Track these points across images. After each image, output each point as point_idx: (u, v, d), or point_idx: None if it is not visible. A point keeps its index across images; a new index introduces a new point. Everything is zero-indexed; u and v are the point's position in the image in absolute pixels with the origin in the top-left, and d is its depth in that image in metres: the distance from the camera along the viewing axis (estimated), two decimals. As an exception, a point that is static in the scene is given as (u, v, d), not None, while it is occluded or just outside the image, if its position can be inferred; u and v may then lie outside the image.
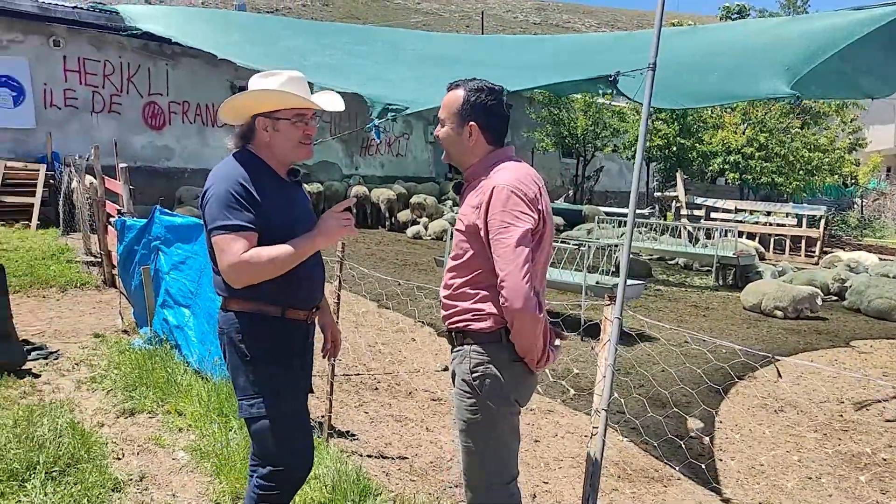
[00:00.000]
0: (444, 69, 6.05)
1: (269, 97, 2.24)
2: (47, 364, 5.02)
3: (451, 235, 7.80)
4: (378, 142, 17.26)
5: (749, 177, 16.24)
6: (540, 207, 2.19)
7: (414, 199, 14.81)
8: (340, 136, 16.13)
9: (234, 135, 2.33)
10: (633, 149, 17.42)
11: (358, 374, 5.29)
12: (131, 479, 3.32)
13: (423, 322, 6.81)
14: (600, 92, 4.26)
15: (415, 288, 7.45)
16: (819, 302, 8.06)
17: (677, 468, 3.80)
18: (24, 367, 4.79)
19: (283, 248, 2.14)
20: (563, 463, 3.87)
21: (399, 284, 7.61)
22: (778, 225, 14.38)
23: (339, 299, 3.74)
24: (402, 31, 9.21)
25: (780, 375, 5.51)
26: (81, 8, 12.88)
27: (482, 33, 33.54)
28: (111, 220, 7.28)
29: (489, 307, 2.17)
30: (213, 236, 2.15)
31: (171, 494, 3.24)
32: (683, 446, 4.00)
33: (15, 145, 12.00)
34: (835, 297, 9.26)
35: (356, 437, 4.03)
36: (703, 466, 3.68)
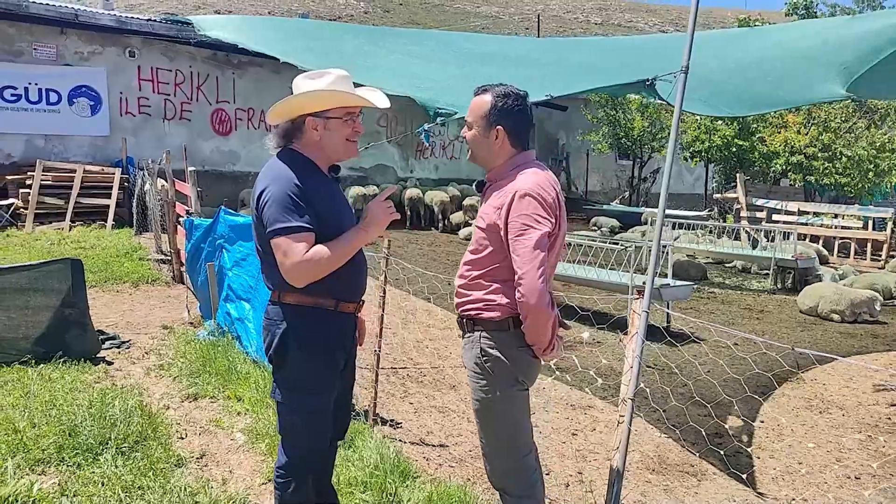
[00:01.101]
0: (492, 69, 6.22)
1: (321, 97, 2.34)
2: (119, 352, 5.43)
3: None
4: (428, 145, 17.55)
5: (812, 178, 15.75)
6: (557, 213, 2.35)
7: (467, 202, 15.01)
8: (396, 140, 16.48)
9: (275, 134, 2.42)
10: (690, 150, 17.16)
11: (404, 368, 5.51)
12: (192, 457, 3.61)
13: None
14: (643, 94, 4.33)
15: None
16: (878, 306, 7.84)
17: (713, 464, 3.86)
18: (98, 355, 5.19)
19: (338, 244, 2.26)
20: (599, 455, 3.97)
21: (449, 284, 7.81)
22: (842, 228, 13.90)
23: (384, 293, 3.96)
24: (453, 32, 9.43)
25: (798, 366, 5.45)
26: (155, 20, 13.64)
27: (538, 35, 33.47)
28: (180, 220, 7.75)
29: (500, 298, 2.35)
30: (273, 238, 2.22)
31: (229, 471, 3.51)
32: (722, 444, 4.05)
33: (93, 150, 12.81)
34: (898, 302, 8.97)
35: (400, 425, 4.24)
36: (740, 463, 3.73)
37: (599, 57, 5.60)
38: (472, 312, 2.42)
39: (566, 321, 2.63)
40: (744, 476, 3.61)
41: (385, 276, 4.03)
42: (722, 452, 3.79)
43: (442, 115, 5.50)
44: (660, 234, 2.92)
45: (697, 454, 3.96)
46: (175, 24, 13.03)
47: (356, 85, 2.49)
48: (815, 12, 21.13)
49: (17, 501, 2.88)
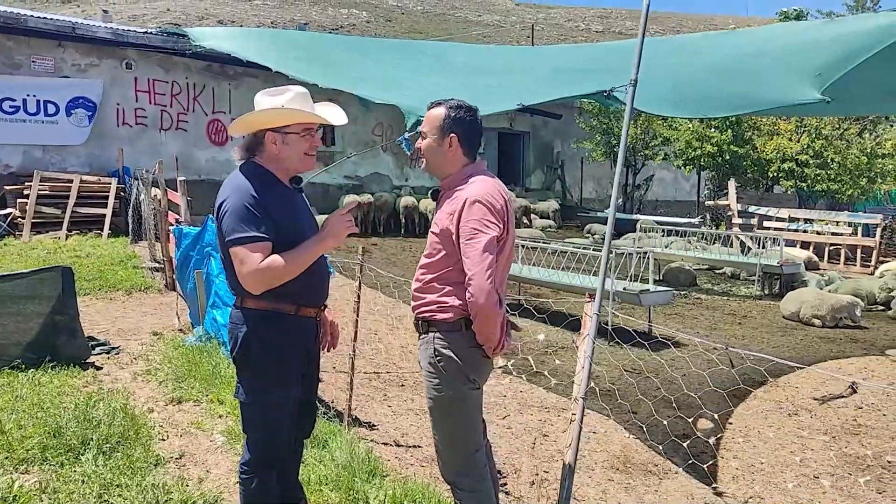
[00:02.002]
0: (476, 78, 6.37)
1: (279, 114, 2.49)
2: (109, 358, 5.57)
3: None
4: (409, 154, 17.71)
5: (804, 184, 15.89)
6: (505, 218, 2.49)
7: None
8: (391, 149, 16.65)
9: (240, 147, 2.57)
10: (683, 158, 17.31)
11: (388, 372, 5.64)
12: (172, 457, 3.74)
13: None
14: (608, 104, 4.47)
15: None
16: (859, 312, 7.95)
17: (677, 464, 3.98)
18: (88, 361, 5.34)
19: (295, 253, 2.37)
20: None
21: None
22: (832, 234, 14.03)
23: (358, 298, 4.10)
24: (441, 43, 9.58)
25: (732, 364, 5.59)
26: (151, 33, 13.85)
27: (533, 44, 33.71)
28: (171, 228, 7.90)
29: (453, 300, 2.48)
30: (231, 247, 2.35)
31: (206, 470, 3.64)
32: (688, 444, 4.17)
33: (90, 161, 13.00)
34: (881, 307, 9.07)
35: (376, 427, 4.37)
36: (703, 463, 3.85)
37: (575, 64, 5.76)
38: (427, 314, 2.56)
39: (517, 323, 2.77)
40: (707, 476, 3.74)
41: (360, 283, 4.16)
42: (686, 452, 3.91)
43: (421, 122, 5.64)
44: (609, 240, 3.06)
45: (663, 454, 4.08)
46: (171, 36, 13.25)
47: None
48: (806, 20, 21.28)
49: (-2, 499, 3.01)
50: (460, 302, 2.47)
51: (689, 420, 4.63)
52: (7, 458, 3.48)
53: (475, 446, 2.59)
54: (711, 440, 4.36)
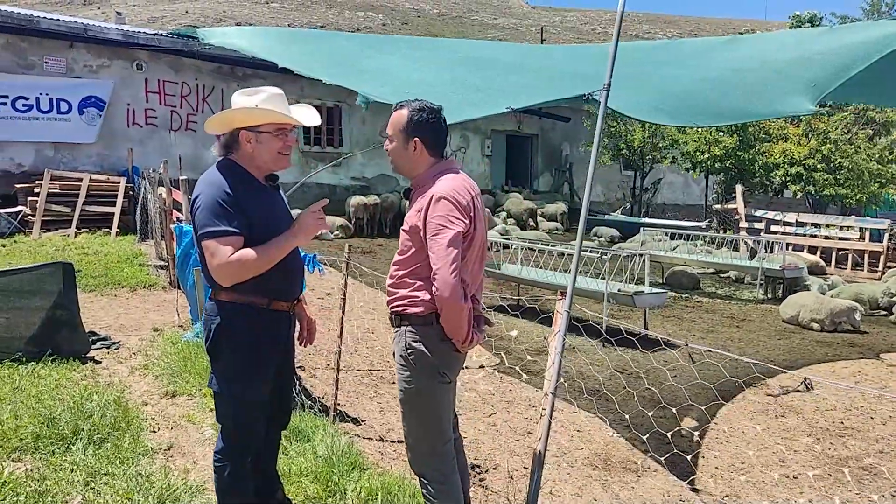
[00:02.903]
0: (480, 76, 6.41)
1: (252, 113, 2.56)
2: (109, 353, 5.69)
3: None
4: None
5: (812, 188, 15.81)
6: (472, 214, 2.55)
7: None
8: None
9: (219, 144, 2.64)
10: (691, 161, 17.27)
11: (380, 370, 5.72)
12: (160, 448, 3.84)
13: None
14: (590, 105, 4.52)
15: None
16: (858, 316, 7.93)
17: (658, 461, 4.03)
18: (88, 355, 5.45)
19: (265, 248, 2.44)
20: (549, 452, 4.14)
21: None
22: (840, 239, 13.95)
23: (345, 295, 4.18)
24: (447, 40, 9.64)
25: (693, 360, 5.61)
26: (161, 34, 14.06)
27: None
28: (173, 226, 8.04)
29: (423, 295, 2.55)
30: (202, 240, 2.45)
31: (193, 462, 3.73)
32: (671, 443, 4.21)
33: (100, 160, 13.22)
34: (884, 312, 9.03)
35: (363, 423, 4.45)
36: (682, 460, 3.89)
37: (566, 65, 5.81)
38: (399, 308, 2.63)
39: (489, 318, 2.83)
40: (687, 473, 3.78)
41: (346, 280, 4.24)
42: (668, 451, 3.95)
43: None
44: (581, 240, 3.12)
45: (644, 452, 4.13)
46: (181, 37, 13.43)
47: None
48: (819, 25, 21.18)
49: (-12, 484, 3.12)
50: (431, 296, 2.53)
51: (674, 419, 4.68)
52: (1, 447, 3.59)
53: (444, 439, 2.66)
54: (695, 438, 4.40)
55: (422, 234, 2.54)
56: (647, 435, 4.27)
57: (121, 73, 13.49)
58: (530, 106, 4.61)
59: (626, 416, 4.69)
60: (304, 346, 2.97)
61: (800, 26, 21.20)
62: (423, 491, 2.70)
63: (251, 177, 2.62)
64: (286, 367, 2.82)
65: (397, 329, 2.65)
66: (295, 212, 2.76)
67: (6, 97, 12.18)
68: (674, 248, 13.05)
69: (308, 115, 2.74)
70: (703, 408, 4.79)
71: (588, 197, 3.12)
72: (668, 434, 4.43)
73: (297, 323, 2.92)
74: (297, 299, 2.78)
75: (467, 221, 2.52)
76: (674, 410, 4.77)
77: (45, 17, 12.78)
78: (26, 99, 12.38)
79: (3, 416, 3.97)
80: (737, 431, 4.65)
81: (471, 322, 2.55)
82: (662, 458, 3.99)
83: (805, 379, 5.40)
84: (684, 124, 9.88)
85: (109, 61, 13.34)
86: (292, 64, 6.74)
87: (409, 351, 2.58)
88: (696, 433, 4.53)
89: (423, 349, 2.56)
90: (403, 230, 2.65)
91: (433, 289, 2.48)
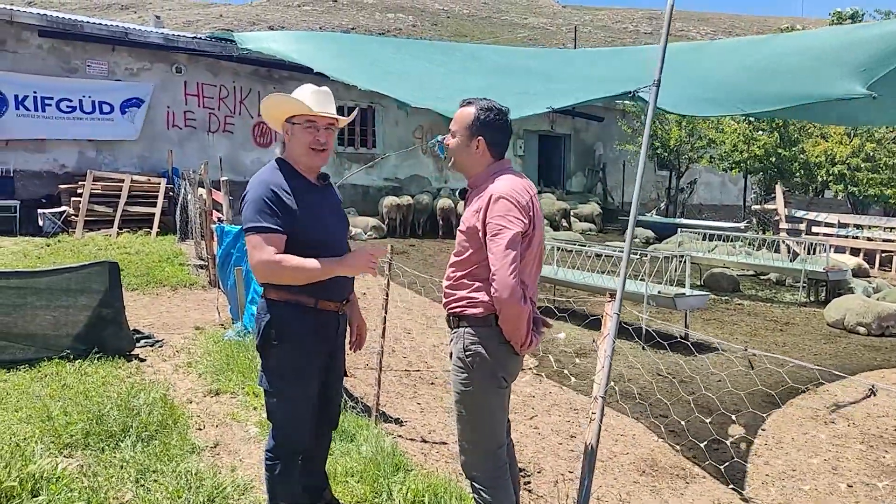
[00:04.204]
0: (512, 80, 6.39)
1: (272, 100, 2.62)
2: (153, 350, 5.78)
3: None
4: (443, 157, 17.74)
5: (855, 189, 15.40)
6: (531, 214, 2.53)
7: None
8: (430, 151, 16.78)
9: (279, 142, 2.74)
10: (729, 160, 16.96)
11: (418, 371, 5.71)
12: (207, 446, 3.88)
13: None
14: (636, 104, 4.44)
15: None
16: (907, 319, 7.69)
17: (706, 469, 3.94)
18: (132, 353, 5.55)
19: (307, 263, 2.45)
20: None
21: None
22: (884, 240, 13.57)
23: (387, 297, 4.18)
24: (479, 45, 9.63)
25: (752, 366, 5.45)
26: (200, 38, 14.27)
27: (575, 47, 33.49)
28: (214, 226, 8.14)
29: (482, 296, 2.53)
30: (246, 235, 2.50)
31: (239, 460, 3.76)
32: (718, 450, 4.13)
33: (141, 161, 13.47)
34: (933, 316, 8.74)
35: (404, 423, 4.44)
36: (733, 469, 3.80)
37: (606, 66, 5.74)
38: (458, 309, 2.60)
39: (547, 319, 2.79)
40: (735, 481, 3.69)
41: (388, 281, 4.24)
42: (716, 457, 3.87)
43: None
44: (630, 240, 3.06)
45: (691, 458, 4.05)
46: (219, 41, 13.62)
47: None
48: (861, 21, 20.62)
49: (42, 479, 3.18)
50: (489, 297, 2.51)
51: (721, 425, 4.58)
52: (53, 442, 3.66)
53: (498, 443, 2.63)
54: (743, 446, 4.30)
55: (480, 234, 2.51)
56: (693, 440, 4.20)
57: (161, 75, 13.73)
58: (572, 105, 4.56)
59: (671, 421, 4.61)
60: (354, 352, 2.96)
61: (841, 23, 20.64)
62: (475, 495, 2.67)
63: (297, 174, 2.63)
64: (334, 367, 2.82)
65: (455, 330, 2.62)
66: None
67: (51, 99, 12.49)
68: (711, 250, 12.82)
69: (319, 103, 2.64)
70: (750, 412, 4.69)
71: (637, 197, 3.06)
72: (715, 440, 4.36)
73: (350, 328, 2.91)
74: (346, 300, 2.77)
75: (526, 221, 2.49)
76: (719, 415, 4.68)
77: (87, 22, 13.07)
78: (70, 101, 12.67)
79: (53, 412, 4.04)
80: (786, 438, 4.53)
81: (530, 324, 2.52)
82: (712, 465, 3.90)
83: (872, 386, 5.23)
84: (728, 113, 9.61)
85: (150, 64, 13.58)
86: (327, 69, 6.80)
87: (467, 353, 2.55)
88: (745, 439, 4.43)
89: (482, 351, 2.53)
90: (460, 231, 2.62)
91: (492, 290, 2.45)
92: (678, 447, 4.25)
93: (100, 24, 13.23)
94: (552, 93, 5.05)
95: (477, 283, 2.55)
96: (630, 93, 3.47)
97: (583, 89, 4.78)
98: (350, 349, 2.96)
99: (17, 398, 4.33)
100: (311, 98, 2.64)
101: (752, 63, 5.42)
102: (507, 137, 2.70)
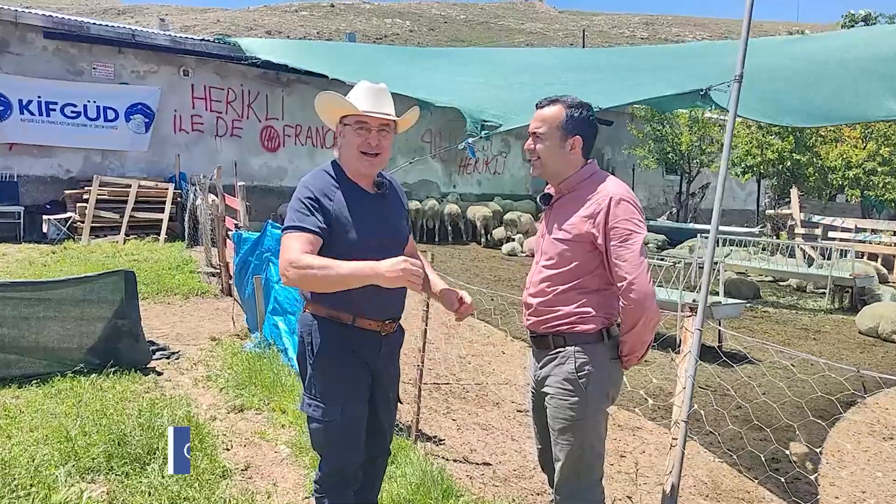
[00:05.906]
0: (537, 80, 6.17)
1: (330, 101, 2.38)
2: (169, 363, 5.52)
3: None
4: (474, 160, 17.54)
5: (871, 193, 15.19)
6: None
7: (507, 217, 14.97)
8: (439, 155, 16.53)
9: (335, 146, 2.48)
10: (742, 165, 16.75)
11: (447, 384, 5.45)
12: (238, 468, 3.62)
13: (513, 336, 6.89)
14: (697, 105, 4.20)
15: (507, 303, 7.55)
16: (946, 327, 7.45)
17: (771, 490, 3.69)
18: (149, 366, 5.29)
19: (337, 264, 2.15)
20: (649, 479, 3.84)
21: (492, 300, 7.74)
22: (905, 245, 13.34)
23: (427, 307, 3.93)
24: (493, 49, 9.46)
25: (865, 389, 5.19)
26: (208, 40, 14.04)
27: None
28: (229, 233, 7.89)
29: (594, 310, 2.31)
30: (283, 233, 2.30)
31: (273, 484, 3.50)
32: (779, 470, 3.87)
33: (147, 167, 13.21)
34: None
35: (442, 442, 4.18)
36: (798, 490, 3.55)
37: (645, 66, 5.50)
38: (564, 328, 2.36)
39: None
40: (804, 502, 3.44)
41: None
42: (781, 479, 3.62)
43: (487, 128, 5.48)
44: (712, 251, 2.81)
45: (754, 480, 3.79)
46: (227, 44, 13.39)
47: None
48: (874, 24, 20.46)
49: (67, 509, 2.92)
50: (601, 312, 2.33)
51: (776, 442, 4.32)
52: (74, 466, 3.40)
53: (601, 469, 2.40)
54: (807, 465, 4.05)
55: (598, 241, 2.28)
56: (751, 459, 3.95)
57: (168, 79, 13.49)
58: (629, 104, 4.32)
59: (723, 439, 4.36)
60: (458, 321, 2.59)
61: (852, 26, 20.50)
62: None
63: (346, 179, 2.39)
64: (381, 391, 2.53)
65: (559, 350, 2.37)
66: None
67: (56, 103, 12.24)
68: (726, 256, 12.58)
69: (367, 101, 2.36)
70: (805, 428, 4.44)
71: (719, 206, 2.80)
72: (774, 459, 4.10)
73: (446, 299, 2.53)
74: (391, 320, 2.46)
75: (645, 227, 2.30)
76: (773, 432, 4.43)
77: (94, 23, 12.84)
78: (74, 106, 12.42)
79: (71, 432, 3.78)
80: (847, 456, 4.28)
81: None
82: (777, 488, 3.64)
83: None
84: (776, 123, 9.30)
85: (157, 67, 13.35)
86: (340, 74, 6.65)
87: (580, 374, 2.31)
88: (806, 460, 4.17)
89: (596, 370, 2.31)
90: (559, 239, 2.37)
91: (626, 301, 2.24)
92: (737, 467, 4.00)
93: (106, 25, 13.02)
94: (589, 91, 4.81)
95: (586, 297, 2.34)
96: (702, 90, 3.22)
97: (629, 88, 4.53)
98: (457, 319, 2.55)
99: (32, 416, 4.07)
100: (363, 96, 2.38)
101: (792, 69, 5.19)
102: (596, 134, 2.47)
